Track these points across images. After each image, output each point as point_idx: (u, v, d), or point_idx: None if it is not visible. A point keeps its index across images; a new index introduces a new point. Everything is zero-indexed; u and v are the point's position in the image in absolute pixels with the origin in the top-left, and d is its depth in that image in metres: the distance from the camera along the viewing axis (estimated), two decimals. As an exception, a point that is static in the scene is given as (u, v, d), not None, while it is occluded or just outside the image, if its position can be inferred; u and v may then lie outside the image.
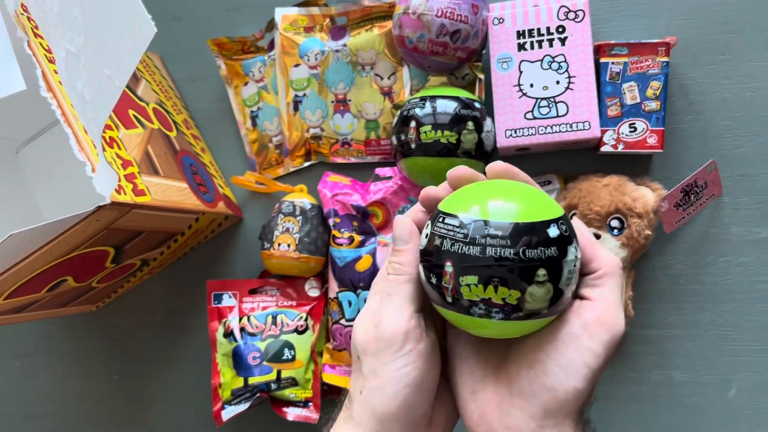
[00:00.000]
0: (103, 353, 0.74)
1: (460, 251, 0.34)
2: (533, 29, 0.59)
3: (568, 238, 0.34)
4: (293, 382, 0.63)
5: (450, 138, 0.56)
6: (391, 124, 0.65)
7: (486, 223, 0.33)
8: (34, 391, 0.76)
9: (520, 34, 0.59)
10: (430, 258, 0.35)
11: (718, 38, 0.61)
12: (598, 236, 0.58)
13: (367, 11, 0.65)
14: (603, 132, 0.58)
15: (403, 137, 0.58)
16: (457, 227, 0.34)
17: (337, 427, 0.37)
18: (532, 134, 0.58)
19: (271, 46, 0.68)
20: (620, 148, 0.58)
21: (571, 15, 0.58)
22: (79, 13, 0.43)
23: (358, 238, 0.65)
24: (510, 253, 0.33)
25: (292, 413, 0.63)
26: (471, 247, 0.33)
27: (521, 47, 0.59)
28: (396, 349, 0.34)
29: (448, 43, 0.57)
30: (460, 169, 0.36)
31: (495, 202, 0.35)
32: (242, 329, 0.65)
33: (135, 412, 0.73)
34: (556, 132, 0.58)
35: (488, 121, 0.58)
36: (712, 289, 0.62)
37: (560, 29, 0.58)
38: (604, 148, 0.58)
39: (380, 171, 0.65)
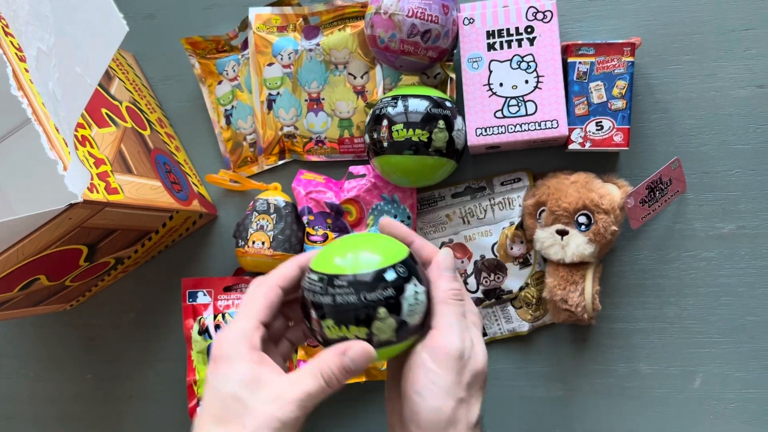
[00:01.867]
0: (76, 353, 0.74)
1: (318, 301, 0.43)
2: (503, 29, 0.60)
3: (405, 278, 0.43)
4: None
5: (421, 136, 0.57)
6: (364, 122, 0.66)
7: (334, 277, 0.42)
8: (5, 393, 0.75)
9: (489, 34, 0.60)
10: (304, 306, 0.45)
11: (682, 39, 0.63)
12: (566, 232, 0.60)
13: (339, 11, 0.66)
14: (571, 130, 0.59)
15: (375, 135, 0.59)
16: (316, 281, 0.43)
17: None
18: (501, 132, 0.59)
19: (245, 45, 0.69)
20: (587, 146, 0.59)
21: (540, 15, 0.60)
22: (49, 11, 0.43)
23: (332, 235, 0.65)
24: (353, 299, 0.42)
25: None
26: (325, 296, 0.42)
27: (491, 47, 0.60)
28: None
29: (419, 43, 0.58)
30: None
31: (343, 258, 0.44)
32: (217, 326, 0.65)
33: (110, 412, 0.73)
34: (525, 130, 0.59)
35: (459, 120, 0.59)
36: (677, 284, 0.63)
37: (529, 29, 0.60)
38: (571, 146, 0.60)
39: (354, 169, 0.66)
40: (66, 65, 0.44)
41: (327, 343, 0.43)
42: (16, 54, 0.52)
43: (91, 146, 0.55)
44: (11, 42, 0.53)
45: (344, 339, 0.42)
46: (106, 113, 0.60)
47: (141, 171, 0.60)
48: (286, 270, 0.47)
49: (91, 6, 0.40)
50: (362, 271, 0.42)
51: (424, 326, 0.44)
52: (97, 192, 0.52)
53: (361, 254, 0.44)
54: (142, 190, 0.59)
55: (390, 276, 0.43)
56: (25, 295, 0.60)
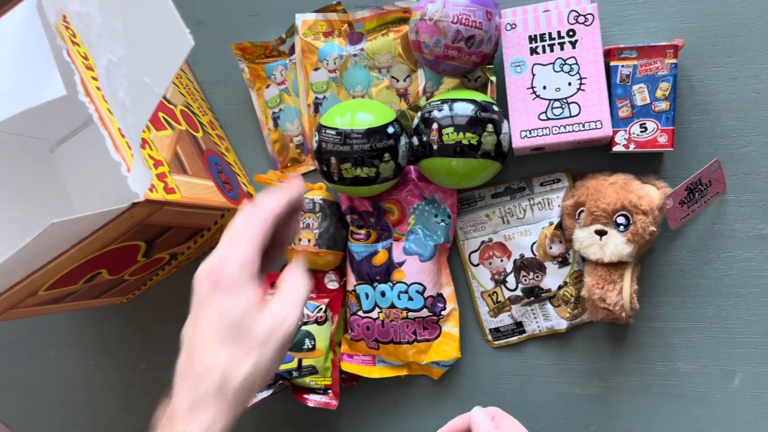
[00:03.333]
0: (131, 343, 0.77)
1: (337, 149, 0.61)
2: (545, 33, 0.61)
3: (400, 132, 0.62)
4: (313, 371, 0.67)
5: (471, 140, 0.59)
6: (406, 124, 0.67)
7: (350, 131, 0.60)
8: (66, 380, 0.79)
9: (532, 39, 0.61)
10: (321, 155, 0.62)
11: (723, 41, 0.63)
12: (604, 232, 0.61)
13: (383, 17, 0.68)
14: (615, 132, 0.60)
15: (424, 138, 0.61)
16: (335, 135, 0.61)
17: None
18: (546, 134, 0.61)
19: (292, 50, 0.71)
20: (632, 147, 0.60)
21: (581, 19, 0.61)
22: (120, 26, 0.46)
23: (374, 233, 0.68)
24: (367, 147, 0.60)
25: (312, 400, 0.67)
26: (344, 146, 0.60)
27: (533, 51, 0.61)
28: None
29: (463, 48, 0.60)
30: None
31: (352, 117, 0.61)
32: (265, 320, 0.68)
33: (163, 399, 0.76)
34: (569, 131, 0.60)
35: (505, 123, 0.61)
36: (716, 284, 0.64)
37: (571, 33, 0.61)
38: (616, 148, 0.61)
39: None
40: (135, 75, 0.47)
41: (343, 180, 0.62)
42: (83, 63, 0.56)
43: (151, 148, 0.58)
44: (78, 51, 0.56)
45: (358, 177, 0.61)
46: (163, 117, 0.63)
47: (195, 171, 0.63)
48: (278, 206, 0.48)
49: (160, 21, 0.42)
50: (372, 126, 0.60)
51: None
52: (157, 192, 0.55)
53: (365, 113, 0.61)
54: (196, 189, 0.62)
55: (391, 129, 0.61)
56: (88, 287, 0.64)
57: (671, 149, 0.60)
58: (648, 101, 0.60)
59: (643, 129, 0.60)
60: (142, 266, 0.66)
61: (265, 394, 0.66)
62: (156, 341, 0.77)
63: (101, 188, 0.69)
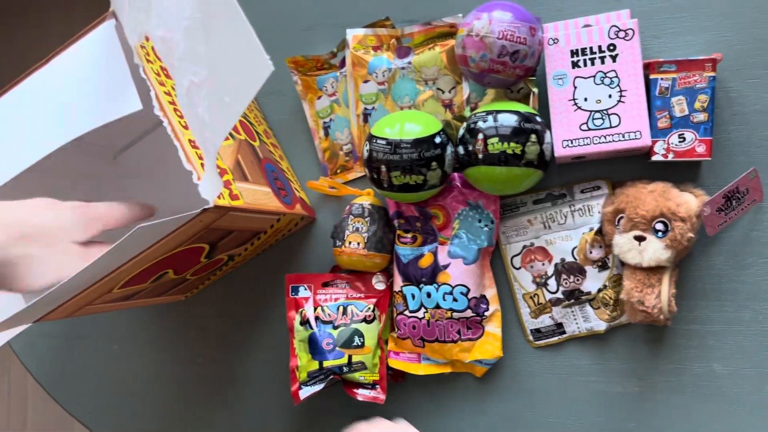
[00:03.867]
0: (189, 339, 0.82)
1: (387, 158, 0.65)
2: (586, 48, 0.64)
3: (446, 142, 0.66)
4: (362, 366, 0.70)
5: (515, 149, 0.62)
6: (452, 133, 0.71)
7: (400, 141, 0.64)
8: (128, 373, 0.85)
9: (573, 53, 0.64)
10: (371, 163, 0.66)
11: (760, 54, 0.66)
12: (643, 238, 0.64)
13: (430, 31, 0.71)
14: (654, 142, 0.63)
15: (470, 148, 0.64)
16: (385, 145, 0.65)
17: None
18: (587, 144, 0.64)
19: (343, 63, 0.75)
20: (670, 157, 0.63)
21: (621, 34, 0.64)
22: (203, 50, 0.51)
23: (420, 237, 0.71)
24: (415, 155, 0.64)
25: (361, 394, 0.71)
26: (393, 155, 0.64)
27: (575, 65, 0.64)
28: None
29: (508, 62, 0.63)
30: None
31: (404, 126, 0.65)
32: (317, 318, 0.72)
33: (218, 393, 0.81)
34: (609, 141, 0.63)
35: (548, 133, 0.64)
36: (753, 289, 0.66)
37: (611, 47, 0.64)
38: (655, 157, 0.63)
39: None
40: (216, 95, 0.51)
41: (392, 187, 0.65)
42: (156, 79, 0.60)
43: (218, 158, 0.62)
44: (152, 69, 0.61)
45: (406, 184, 0.64)
46: None
47: (254, 178, 0.68)
48: None
49: (242, 46, 0.46)
50: (420, 136, 0.64)
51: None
52: (223, 198, 0.59)
53: (413, 125, 0.65)
54: (256, 195, 0.66)
55: (438, 139, 0.65)
56: (154, 286, 0.69)
57: (709, 158, 0.63)
58: (686, 113, 0.63)
59: (682, 139, 0.63)
60: (203, 266, 0.71)
61: (318, 387, 0.70)
62: (212, 337, 0.81)
63: (163, 194, 0.74)
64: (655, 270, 0.64)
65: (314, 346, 0.71)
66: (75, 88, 0.62)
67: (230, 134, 0.68)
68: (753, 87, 0.66)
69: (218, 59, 0.50)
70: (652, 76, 0.63)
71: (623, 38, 0.64)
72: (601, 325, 0.69)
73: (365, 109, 0.74)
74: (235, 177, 0.64)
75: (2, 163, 0.62)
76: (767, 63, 0.66)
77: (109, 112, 0.60)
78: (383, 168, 0.65)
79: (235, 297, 0.80)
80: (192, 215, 0.57)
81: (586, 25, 0.66)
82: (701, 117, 0.62)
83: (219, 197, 0.58)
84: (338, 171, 0.77)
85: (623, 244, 0.64)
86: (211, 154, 0.54)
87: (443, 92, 0.71)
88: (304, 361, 0.72)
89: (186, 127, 0.59)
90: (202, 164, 0.58)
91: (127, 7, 0.59)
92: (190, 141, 0.59)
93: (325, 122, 0.77)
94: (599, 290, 0.68)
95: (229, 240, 0.68)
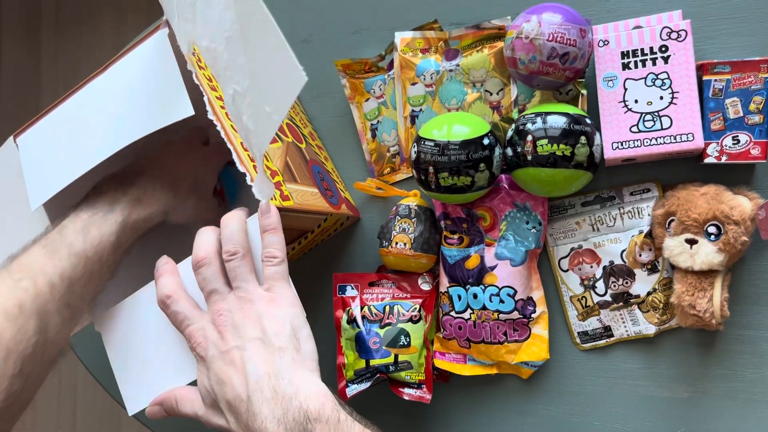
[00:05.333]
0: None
1: (435, 159, 0.65)
2: (637, 49, 0.64)
3: (495, 143, 0.66)
4: (408, 366, 0.71)
5: (565, 151, 0.62)
6: (499, 135, 0.71)
7: (448, 143, 0.64)
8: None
9: (624, 55, 0.64)
10: (419, 164, 0.66)
11: (819, 54, 0.64)
12: (695, 241, 0.63)
13: (478, 34, 0.72)
14: (706, 145, 0.62)
15: (519, 149, 0.64)
16: (433, 146, 0.65)
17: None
18: (637, 146, 0.63)
19: (391, 66, 0.76)
20: (724, 159, 0.62)
21: (674, 35, 0.63)
22: (244, 61, 0.52)
23: (467, 238, 0.72)
24: (463, 157, 0.64)
25: (407, 393, 0.71)
26: (442, 156, 0.65)
27: (625, 66, 0.64)
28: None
29: (558, 64, 0.63)
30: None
31: (452, 128, 0.65)
32: (363, 317, 0.73)
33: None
34: (660, 144, 0.63)
35: (597, 135, 0.64)
36: (808, 294, 0.65)
37: (663, 48, 0.63)
38: (707, 160, 0.62)
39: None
40: (257, 104, 0.53)
41: (439, 189, 0.66)
42: (208, 85, 0.62)
43: (267, 160, 0.64)
44: (204, 75, 0.63)
45: (454, 185, 0.65)
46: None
47: (302, 180, 0.69)
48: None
49: (278, 59, 0.48)
50: (468, 138, 0.64)
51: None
52: (275, 199, 0.61)
53: (460, 127, 0.65)
54: (305, 196, 0.68)
55: (486, 141, 0.65)
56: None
57: (764, 161, 0.62)
58: (741, 114, 0.62)
59: (736, 141, 0.62)
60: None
61: (365, 386, 0.71)
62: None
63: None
64: (707, 274, 0.63)
65: (361, 345, 0.72)
66: (130, 95, 0.65)
67: (278, 136, 0.69)
68: (811, 88, 0.64)
69: (257, 70, 0.52)
70: (705, 78, 0.62)
71: (675, 39, 0.63)
72: (650, 329, 0.68)
73: (412, 111, 0.74)
74: (285, 178, 0.65)
75: (59, 171, 0.65)
76: (826, 63, 0.64)
77: (163, 118, 0.62)
78: (431, 169, 0.66)
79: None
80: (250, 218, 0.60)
81: (637, 27, 0.65)
82: (756, 119, 0.61)
83: (272, 198, 0.60)
84: (385, 172, 0.78)
85: (674, 247, 0.64)
86: (259, 159, 0.55)
87: (491, 94, 0.72)
88: (351, 359, 0.73)
89: (237, 131, 0.61)
90: (254, 166, 0.60)
91: (177, 16, 0.61)
92: (241, 144, 0.61)
93: (372, 124, 0.78)
94: (648, 293, 0.67)
95: (280, 239, 0.70)
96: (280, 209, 0.61)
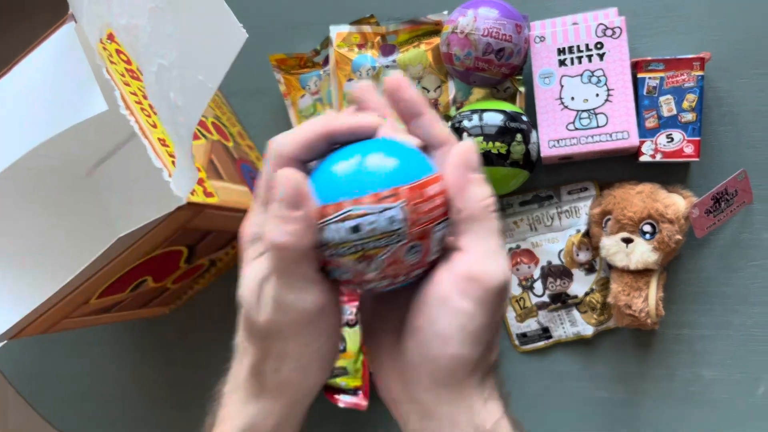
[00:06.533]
0: (173, 343, 0.80)
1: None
2: (573, 46, 0.63)
3: None
4: (344, 371, 0.69)
5: (500, 149, 0.61)
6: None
7: None
8: (107, 377, 0.82)
9: (560, 51, 0.63)
10: None
11: (751, 53, 0.64)
12: (630, 240, 0.62)
13: (415, 29, 0.70)
14: (641, 143, 0.62)
15: (452, 148, 0.63)
16: None
17: (238, 401, 0.36)
18: (573, 144, 0.62)
19: (326, 61, 0.74)
20: (658, 157, 0.62)
21: (609, 32, 0.62)
22: (172, 30, 0.49)
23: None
24: None
25: (343, 400, 0.69)
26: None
27: (562, 63, 0.63)
28: (314, 326, 0.32)
29: (493, 60, 0.62)
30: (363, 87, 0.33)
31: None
32: (298, 322, 0.70)
33: (202, 398, 0.79)
34: (596, 142, 0.62)
35: (534, 133, 0.63)
36: (742, 292, 0.65)
37: (599, 45, 0.62)
38: (642, 158, 0.62)
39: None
40: (188, 74, 0.49)
41: None
42: (121, 80, 0.59)
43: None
44: (116, 70, 0.59)
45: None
46: (197, 128, 0.66)
47: (229, 177, 0.66)
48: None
49: (212, 19, 0.45)
50: None
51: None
52: (197, 195, 0.58)
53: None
54: (233, 194, 0.64)
55: None
56: (134, 296, 0.67)
57: (697, 159, 0.62)
58: (674, 112, 0.61)
59: (670, 139, 0.62)
60: (184, 273, 0.69)
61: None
62: (195, 342, 0.79)
63: (140, 205, 0.72)
64: (643, 273, 0.63)
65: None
66: (37, 95, 0.61)
67: (202, 134, 0.66)
68: (742, 87, 0.65)
69: (188, 36, 0.48)
70: (639, 75, 0.62)
71: (611, 36, 0.62)
72: (588, 330, 0.67)
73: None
74: (209, 175, 0.62)
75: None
76: (756, 62, 0.64)
77: (75, 116, 0.58)
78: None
79: (217, 301, 0.79)
80: (166, 214, 0.56)
81: (574, 24, 0.65)
82: (689, 117, 0.61)
83: (193, 193, 0.57)
84: (321, 171, 0.75)
85: (610, 246, 0.63)
86: (186, 141, 0.52)
87: (428, 91, 0.70)
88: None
89: (154, 126, 0.57)
90: (173, 162, 0.57)
91: (86, 3, 0.57)
92: (159, 140, 0.57)
93: (308, 121, 0.75)
94: (586, 294, 0.67)
95: (209, 242, 0.67)
96: (204, 206, 0.58)
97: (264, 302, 0.33)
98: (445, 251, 0.31)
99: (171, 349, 0.80)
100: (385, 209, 0.29)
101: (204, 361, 0.79)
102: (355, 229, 0.29)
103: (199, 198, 0.57)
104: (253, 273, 0.34)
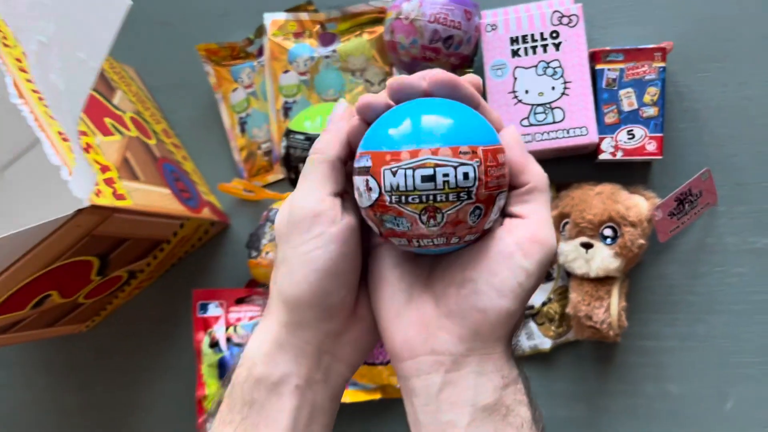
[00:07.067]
0: (87, 363, 0.72)
1: (307, 156, 0.39)
2: (527, 35, 0.58)
3: None
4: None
5: None
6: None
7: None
8: (15, 402, 0.73)
9: (513, 41, 0.58)
10: (289, 162, 0.56)
11: (712, 46, 0.61)
12: (590, 245, 0.57)
13: (356, 17, 0.64)
14: (601, 140, 0.57)
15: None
16: (304, 140, 0.56)
17: (255, 332, 0.35)
18: (529, 141, 0.57)
19: (260, 52, 0.67)
20: (619, 155, 0.57)
21: (565, 20, 0.58)
22: (49, 0, 0.42)
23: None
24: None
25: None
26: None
27: (515, 53, 0.58)
28: (305, 230, 0.32)
29: (441, 49, 0.56)
30: (401, 78, 0.33)
31: (327, 119, 0.41)
32: (228, 339, 0.63)
33: (119, 423, 0.71)
34: (553, 138, 0.57)
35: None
36: (707, 300, 0.61)
37: (554, 34, 0.58)
38: (602, 156, 0.57)
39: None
40: (68, 52, 0.42)
41: None
42: (16, 65, 0.51)
43: (96, 153, 0.53)
44: (11, 53, 0.52)
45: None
46: (110, 123, 0.58)
47: (148, 178, 0.59)
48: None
49: None
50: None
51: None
52: (105, 197, 0.50)
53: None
54: (151, 196, 0.57)
55: None
56: (39, 314, 0.59)
57: (660, 157, 0.57)
58: (635, 106, 0.57)
59: (631, 136, 0.57)
60: (97, 286, 0.61)
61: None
62: (114, 361, 0.71)
63: (48, 210, 0.64)
64: (604, 281, 0.58)
65: (224, 372, 0.62)
66: None
67: (117, 130, 0.59)
68: (703, 81, 0.61)
69: (66, 6, 0.41)
70: (598, 67, 0.57)
71: (567, 25, 0.58)
72: (546, 343, 0.62)
73: (286, 102, 0.66)
74: (122, 175, 0.55)
75: None
76: (717, 56, 0.61)
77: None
78: (302, 166, 0.57)
79: (139, 317, 0.71)
80: (65, 218, 0.48)
81: (528, 12, 0.60)
82: (651, 111, 0.57)
83: (99, 195, 0.49)
84: (257, 173, 0.69)
85: (569, 252, 0.58)
86: (73, 133, 0.44)
87: (372, 84, 0.64)
88: (212, 389, 0.63)
89: (54, 118, 0.49)
90: (75, 158, 0.49)
91: None
92: (59, 133, 0.50)
93: (241, 117, 0.68)
94: (543, 304, 0.61)
95: (124, 251, 0.59)
96: (113, 210, 0.50)
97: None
98: (502, 218, 0.33)
99: (88, 371, 0.72)
100: (462, 164, 0.29)
101: (125, 382, 0.71)
102: (429, 178, 0.29)
103: (107, 200, 0.50)
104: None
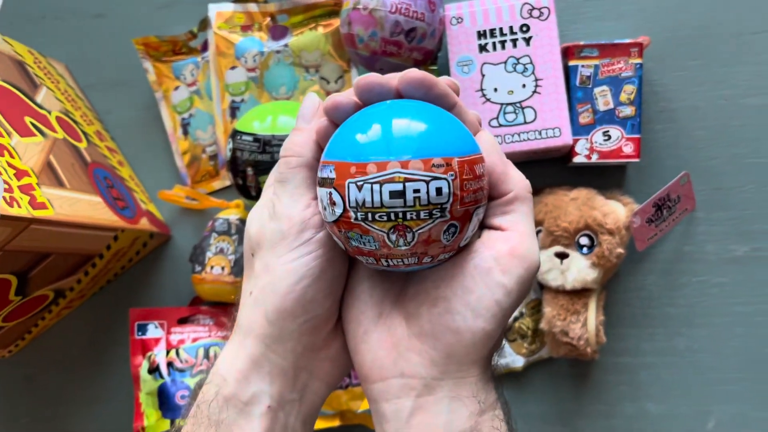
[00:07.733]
0: (12, 393, 0.64)
1: (255, 159, 0.50)
2: (495, 29, 0.54)
3: None
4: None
5: None
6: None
7: (271, 137, 0.51)
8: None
9: (481, 35, 0.54)
10: (236, 165, 0.52)
11: (689, 43, 0.58)
12: (566, 255, 0.53)
13: (310, 8, 0.59)
14: (575, 141, 0.53)
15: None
16: (252, 141, 0.51)
17: (226, 347, 0.33)
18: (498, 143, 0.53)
19: (205, 46, 0.61)
20: (594, 158, 0.53)
21: (536, 13, 0.54)
22: None
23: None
24: None
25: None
26: (263, 154, 0.51)
27: (483, 48, 0.54)
28: (292, 238, 0.30)
29: (403, 43, 0.52)
30: (369, 77, 0.30)
31: (277, 119, 0.49)
32: (170, 364, 0.57)
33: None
34: (524, 140, 0.52)
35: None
36: (687, 313, 0.57)
37: (524, 28, 0.54)
38: (576, 159, 0.53)
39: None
40: None
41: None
42: None
43: (11, 156, 0.47)
44: None
45: None
46: (31, 122, 0.52)
47: (76, 185, 0.52)
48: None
49: None
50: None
51: None
52: (19, 207, 0.44)
53: (288, 118, 0.51)
54: (79, 206, 0.51)
55: None
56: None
57: (637, 160, 0.53)
58: (611, 106, 0.53)
59: (607, 137, 0.53)
60: (18, 307, 0.54)
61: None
62: (42, 390, 0.64)
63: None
64: (580, 294, 0.54)
65: (165, 401, 0.56)
66: None
67: (40, 131, 0.52)
68: (681, 80, 0.58)
69: None
70: (571, 63, 0.53)
71: (538, 18, 0.54)
72: (518, 361, 0.57)
73: (233, 101, 0.60)
74: (43, 181, 0.48)
75: None
76: (696, 53, 0.58)
77: None
78: (250, 171, 0.52)
79: (70, 340, 0.63)
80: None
81: (495, 4, 0.55)
82: (628, 111, 0.53)
83: (11, 204, 0.43)
84: (201, 179, 0.62)
85: (543, 262, 0.54)
86: None
87: (328, 82, 0.59)
88: (152, 420, 0.56)
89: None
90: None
91: None
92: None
93: (183, 118, 0.62)
94: (515, 319, 0.57)
95: (47, 268, 0.52)
96: (31, 221, 0.44)
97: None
98: (480, 231, 0.31)
99: (13, 400, 0.64)
100: (434, 178, 0.26)
101: (55, 413, 0.64)
102: (398, 194, 0.26)
103: (22, 210, 0.44)
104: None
